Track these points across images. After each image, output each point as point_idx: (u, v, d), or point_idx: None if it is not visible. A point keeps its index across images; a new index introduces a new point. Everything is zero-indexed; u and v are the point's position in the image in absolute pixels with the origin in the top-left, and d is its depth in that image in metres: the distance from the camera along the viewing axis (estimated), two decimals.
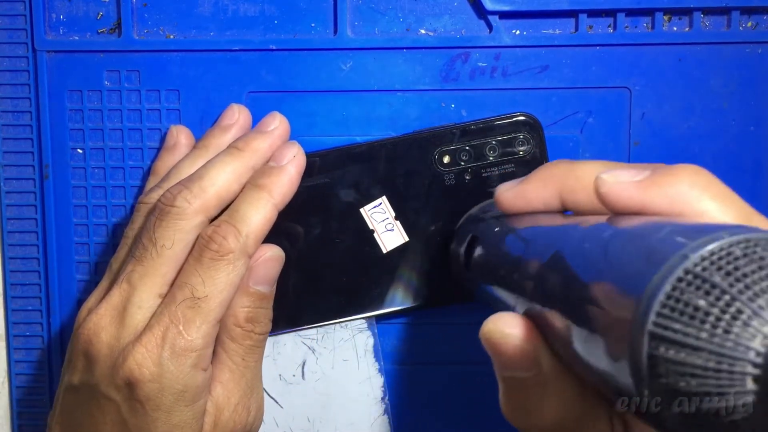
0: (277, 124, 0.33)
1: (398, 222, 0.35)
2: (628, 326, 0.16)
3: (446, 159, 0.34)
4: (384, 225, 0.35)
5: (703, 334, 0.15)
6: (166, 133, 0.35)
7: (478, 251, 0.29)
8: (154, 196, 0.32)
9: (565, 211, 0.25)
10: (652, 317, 0.15)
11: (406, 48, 0.35)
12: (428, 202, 0.35)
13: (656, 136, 0.36)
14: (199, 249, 0.30)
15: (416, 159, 0.34)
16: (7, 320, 0.37)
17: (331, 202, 0.35)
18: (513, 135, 0.34)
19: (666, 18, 0.35)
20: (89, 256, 0.37)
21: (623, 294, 0.17)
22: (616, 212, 0.22)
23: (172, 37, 0.36)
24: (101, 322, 0.29)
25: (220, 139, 0.34)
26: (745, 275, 0.15)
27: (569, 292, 0.20)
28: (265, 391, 0.36)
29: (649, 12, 0.35)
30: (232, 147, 0.32)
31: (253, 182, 0.32)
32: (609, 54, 0.35)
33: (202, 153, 0.33)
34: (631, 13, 0.35)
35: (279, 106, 0.36)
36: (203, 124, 0.36)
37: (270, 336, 0.35)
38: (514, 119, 0.34)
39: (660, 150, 0.36)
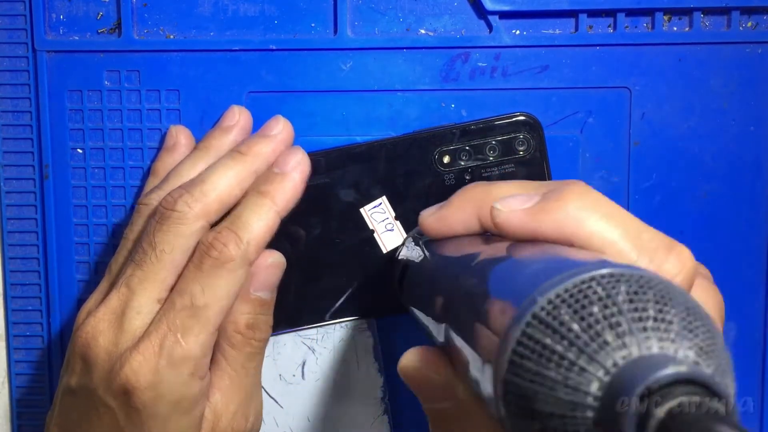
0: (280, 128, 0.33)
1: (398, 222, 0.35)
2: (492, 364, 0.16)
3: (446, 159, 0.34)
4: (384, 225, 0.35)
5: (548, 381, 0.15)
6: (165, 133, 0.35)
7: (408, 274, 0.30)
8: (155, 198, 0.31)
9: (486, 233, 0.25)
10: (506, 358, 0.16)
11: (406, 48, 0.35)
12: (428, 202, 0.35)
13: (656, 136, 0.36)
14: (200, 256, 0.29)
15: (416, 159, 0.34)
16: (7, 320, 0.37)
17: (331, 202, 0.35)
18: (513, 135, 0.34)
19: (666, 18, 0.35)
20: (89, 256, 0.37)
21: (491, 332, 0.17)
22: (515, 239, 0.22)
23: (172, 37, 0.36)
24: (99, 326, 0.29)
25: (220, 141, 0.34)
26: (582, 318, 0.15)
27: (460, 323, 0.20)
28: (265, 391, 0.36)
29: (649, 12, 0.35)
30: (235, 151, 0.32)
31: (256, 188, 0.31)
32: (609, 54, 0.35)
33: (203, 155, 0.33)
34: (631, 13, 0.35)
35: (279, 106, 0.36)
36: (203, 124, 0.36)
37: (270, 336, 0.35)
38: (514, 119, 0.34)
39: (660, 150, 0.36)
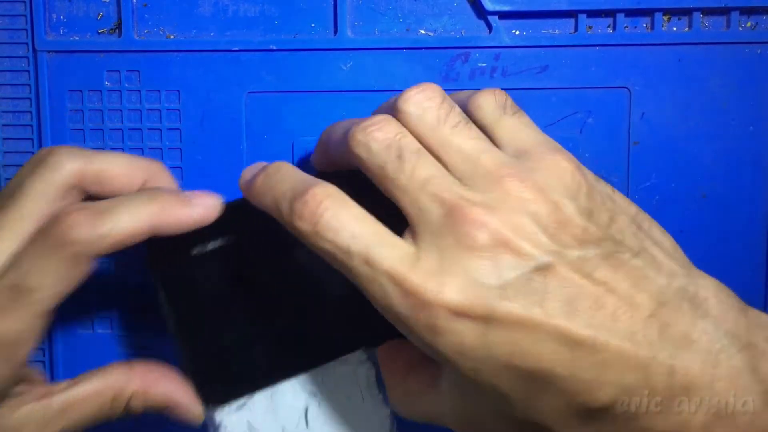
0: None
1: None
2: None
3: None
4: None
5: None
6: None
7: None
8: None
9: None
10: None
11: (406, 48, 0.35)
12: None
13: (656, 136, 0.36)
14: (44, 228, 0.25)
15: None
16: None
17: (291, 236, 0.26)
18: None
19: (666, 18, 0.35)
20: None
21: None
22: None
23: (172, 37, 0.36)
24: None
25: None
26: None
27: None
28: None
29: (648, 12, 0.35)
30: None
31: (147, 190, 0.28)
32: (609, 54, 0.35)
33: None
34: (630, 13, 0.35)
35: (279, 106, 0.36)
36: (203, 124, 0.36)
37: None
38: None
39: (659, 150, 0.36)
